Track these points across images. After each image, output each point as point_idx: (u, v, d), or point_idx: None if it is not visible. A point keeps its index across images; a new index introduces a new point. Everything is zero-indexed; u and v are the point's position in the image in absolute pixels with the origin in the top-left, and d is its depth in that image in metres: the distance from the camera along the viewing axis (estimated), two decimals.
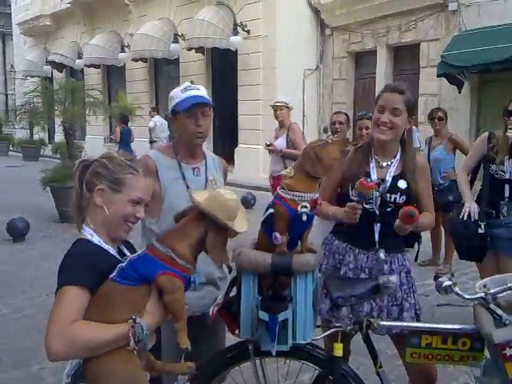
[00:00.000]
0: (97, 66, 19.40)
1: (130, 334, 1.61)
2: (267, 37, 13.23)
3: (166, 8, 16.34)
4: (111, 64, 18.79)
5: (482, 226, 3.54)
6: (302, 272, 2.02)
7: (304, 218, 2.01)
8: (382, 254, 2.49)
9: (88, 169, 1.79)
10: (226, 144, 14.97)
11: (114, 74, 20.06)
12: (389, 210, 2.46)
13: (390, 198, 2.47)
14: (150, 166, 2.31)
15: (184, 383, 2.19)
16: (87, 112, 10.91)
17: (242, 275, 2.07)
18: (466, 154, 4.96)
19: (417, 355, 2.12)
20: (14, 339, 4.23)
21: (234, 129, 14.35)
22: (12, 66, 28.80)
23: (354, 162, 2.53)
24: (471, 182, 3.88)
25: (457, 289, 2.06)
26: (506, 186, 3.54)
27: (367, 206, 2.44)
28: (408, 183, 2.50)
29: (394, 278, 2.25)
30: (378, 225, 2.48)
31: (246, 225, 1.87)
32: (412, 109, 2.51)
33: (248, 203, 9.25)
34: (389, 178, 2.50)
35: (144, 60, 16.81)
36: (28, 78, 23.19)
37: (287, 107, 6.25)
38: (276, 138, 6.31)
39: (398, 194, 2.47)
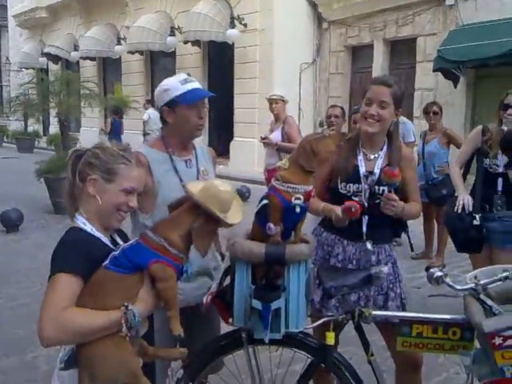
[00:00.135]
0: (92, 59, 19.34)
1: (123, 321, 1.63)
2: (264, 30, 13.21)
3: (163, 1, 16.29)
4: (107, 56, 18.73)
5: (477, 218, 3.56)
6: (295, 262, 2.04)
7: (297, 209, 2.03)
8: (369, 245, 2.52)
9: (81, 159, 1.80)
10: (222, 137, 14.97)
11: (109, 67, 19.99)
12: (377, 201, 2.49)
13: (379, 190, 2.50)
14: (142, 162, 2.29)
15: (177, 370, 2.21)
16: (82, 104, 10.89)
17: (235, 264, 2.09)
18: (459, 149, 4.98)
19: (408, 344, 2.14)
20: (8, 328, 4.25)
21: (230, 122, 14.35)
22: (7, 57, 28.64)
23: (341, 156, 2.55)
24: (464, 176, 3.90)
25: (448, 280, 2.08)
26: (499, 180, 3.56)
27: (356, 199, 2.46)
28: None
29: (385, 269, 2.28)
30: (366, 217, 2.51)
31: (239, 217, 1.87)
32: (399, 102, 2.53)
33: (243, 196, 9.28)
34: (377, 171, 2.52)
35: (140, 53, 16.77)
36: (23, 69, 23.09)
37: (283, 100, 6.25)
38: (271, 131, 6.32)
39: (387, 186, 2.49)
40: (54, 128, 18.77)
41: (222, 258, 2.41)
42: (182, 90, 2.31)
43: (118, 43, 18.03)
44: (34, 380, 3.46)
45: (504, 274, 2.05)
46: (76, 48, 20.06)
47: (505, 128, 3.56)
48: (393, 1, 11.42)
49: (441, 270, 2.12)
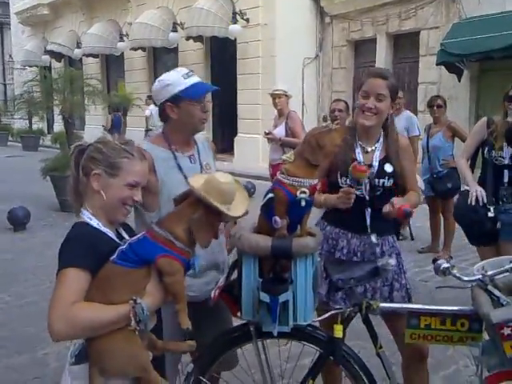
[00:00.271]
0: (95, 56, 19.32)
1: (131, 315, 1.64)
2: (266, 25, 13.18)
3: None
4: (110, 53, 18.72)
5: (492, 210, 3.54)
6: (302, 255, 2.04)
7: (303, 203, 2.03)
8: (373, 238, 2.53)
9: (83, 153, 1.80)
10: (226, 133, 14.96)
11: (112, 64, 20.00)
12: (378, 193, 2.50)
13: (379, 182, 2.51)
14: (146, 157, 2.29)
15: (187, 364, 2.22)
16: (86, 101, 10.90)
17: (242, 258, 2.09)
18: (464, 142, 4.96)
19: (416, 336, 2.14)
20: (17, 326, 4.28)
21: (234, 118, 14.34)
22: (10, 55, 28.69)
23: (339, 150, 2.54)
24: (471, 169, 3.88)
25: (455, 271, 2.08)
26: (505, 172, 3.55)
27: (357, 192, 2.46)
28: (394, 166, 2.54)
29: (392, 261, 2.28)
30: (369, 210, 2.52)
31: (243, 208, 1.86)
32: (395, 94, 2.55)
33: (248, 192, 9.24)
34: (375, 163, 2.53)
35: (143, 49, 16.75)
36: (26, 67, 23.07)
37: (286, 95, 6.24)
38: (275, 126, 6.32)
39: (386, 177, 2.51)
40: (58, 126, 18.79)
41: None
42: (186, 85, 2.27)
43: (121, 40, 18.04)
44: (44, 376, 3.49)
45: (511, 265, 2.05)
46: (79, 45, 20.06)
47: (510, 120, 3.55)
48: None
49: (448, 262, 2.12)
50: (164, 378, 1.84)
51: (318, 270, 2.24)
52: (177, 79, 2.29)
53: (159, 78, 2.36)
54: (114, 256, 1.70)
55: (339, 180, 2.53)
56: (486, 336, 2.07)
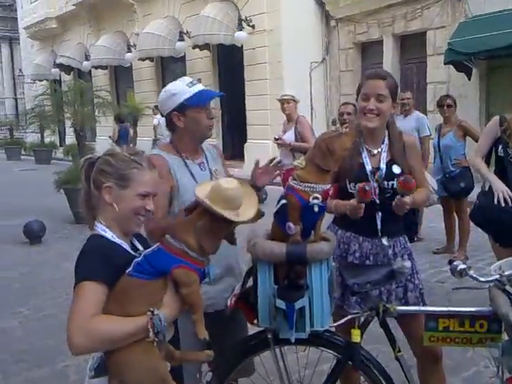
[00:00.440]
0: (104, 67, 19.50)
1: (149, 326, 1.65)
2: (272, 31, 13.21)
3: (171, 6, 16.37)
4: (118, 64, 18.87)
5: None
6: (317, 260, 2.04)
7: (316, 209, 2.03)
8: (385, 241, 2.52)
9: (93, 166, 1.82)
10: (236, 140, 14.98)
11: (121, 75, 20.14)
12: (387, 196, 2.49)
13: (388, 184, 2.50)
14: (165, 166, 2.29)
15: (206, 373, 2.23)
16: (96, 113, 10.98)
17: (257, 265, 2.09)
18: (476, 141, 4.91)
19: (435, 339, 2.13)
20: (37, 339, 4.30)
21: (243, 124, 14.36)
22: (20, 70, 29.01)
23: (346, 155, 2.54)
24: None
25: (471, 272, 2.06)
26: None
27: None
28: (401, 167, 2.52)
29: (408, 264, 2.28)
30: (380, 213, 2.50)
31: (252, 212, 1.84)
32: (395, 93, 2.53)
33: (260, 198, 9.26)
34: (383, 166, 2.52)
35: (151, 59, 16.86)
36: (36, 81, 23.36)
37: (294, 100, 6.24)
38: (284, 131, 6.32)
39: (395, 179, 2.48)
40: (70, 138, 18.95)
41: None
42: (190, 93, 2.31)
43: (129, 50, 18.19)
44: None
45: None
46: (87, 57, 20.25)
47: None
48: None
49: (464, 263, 2.10)
50: None
51: (334, 275, 2.23)
52: (182, 88, 2.33)
53: (164, 89, 2.40)
54: (130, 269, 1.71)
55: (348, 186, 2.52)
56: (505, 337, 2.04)
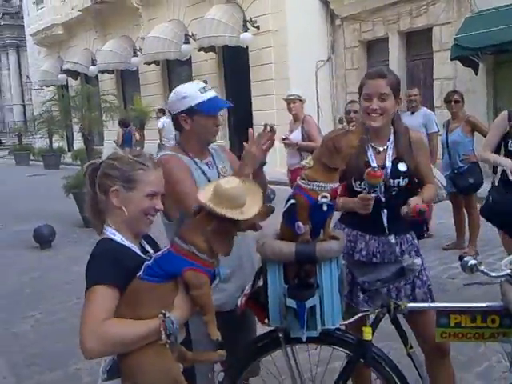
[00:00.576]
0: (110, 72, 19.59)
1: (161, 329, 1.65)
2: (277, 31, 13.23)
3: (176, 9, 16.42)
4: (124, 69, 18.98)
5: None
6: (326, 259, 2.04)
7: (324, 207, 2.03)
8: (392, 239, 2.51)
9: (97, 171, 1.83)
10: (243, 140, 14.72)
11: (127, 79, 20.23)
12: (393, 193, 2.48)
13: (394, 182, 2.49)
14: (182, 162, 2.34)
15: (218, 373, 2.23)
16: (104, 117, 11.03)
17: (267, 265, 2.10)
18: (484, 136, 4.89)
19: (446, 335, 2.12)
20: (49, 343, 4.32)
21: (249, 125, 14.28)
22: (27, 76, 29.23)
23: (352, 154, 2.54)
24: None
25: (482, 267, 2.05)
26: None
27: (373, 194, 2.45)
28: (407, 164, 2.51)
29: (418, 261, 2.27)
30: (386, 211, 2.49)
31: (256, 208, 1.81)
32: (397, 90, 2.51)
33: (268, 198, 9.25)
34: (389, 164, 2.51)
35: (156, 62, 16.91)
36: (44, 87, 23.51)
37: (300, 100, 6.24)
38: (291, 131, 6.31)
39: (401, 177, 2.48)
40: (78, 143, 19.05)
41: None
42: (202, 99, 2.33)
43: (135, 55, 18.26)
44: None
45: None
46: (94, 62, 20.36)
47: None
48: None
49: (475, 258, 2.09)
50: None
51: (343, 273, 2.23)
52: (194, 93, 2.34)
53: (175, 90, 2.42)
54: (141, 272, 1.72)
55: (354, 184, 2.52)
56: None
